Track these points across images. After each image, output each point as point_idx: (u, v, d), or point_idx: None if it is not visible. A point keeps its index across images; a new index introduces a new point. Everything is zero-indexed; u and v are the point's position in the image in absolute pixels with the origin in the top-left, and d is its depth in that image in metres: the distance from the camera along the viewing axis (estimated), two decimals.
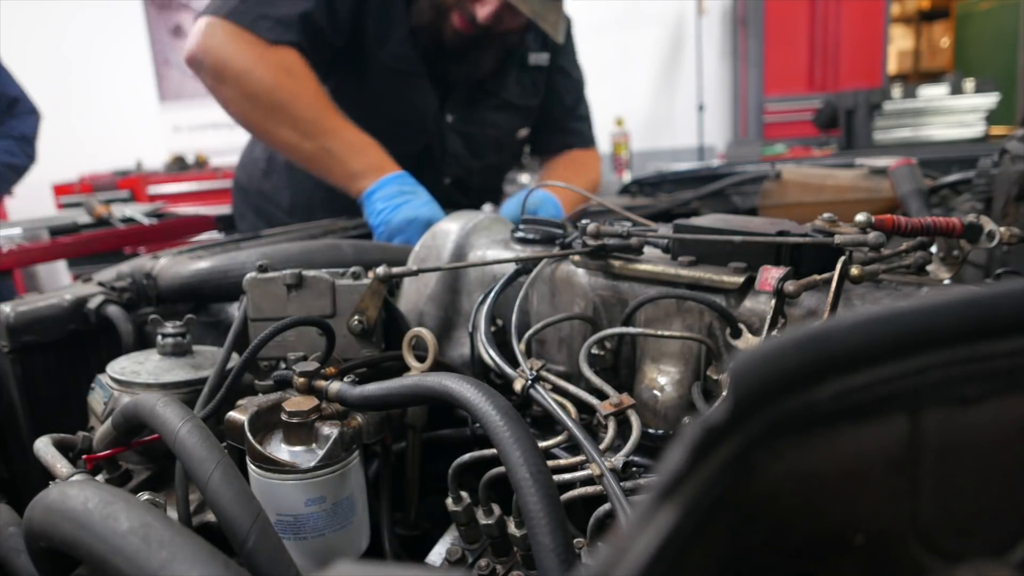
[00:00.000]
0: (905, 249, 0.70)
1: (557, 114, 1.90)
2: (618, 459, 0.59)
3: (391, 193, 1.36)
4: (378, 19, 1.53)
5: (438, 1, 1.52)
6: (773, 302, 0.65)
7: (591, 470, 0.57)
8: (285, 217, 1.79)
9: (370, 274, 0.82)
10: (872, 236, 0.63)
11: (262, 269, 0.84)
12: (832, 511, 0.27)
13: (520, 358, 0.72)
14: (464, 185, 1.79)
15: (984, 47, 5.43)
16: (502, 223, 1.01)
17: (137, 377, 0.79)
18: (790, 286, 0.63)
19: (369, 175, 1.40)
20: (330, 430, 0.65)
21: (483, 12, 1.49)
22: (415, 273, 0.83)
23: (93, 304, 1.01)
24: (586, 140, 2.00)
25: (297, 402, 0.66)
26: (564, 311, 0.82)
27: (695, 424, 0.22)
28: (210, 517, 0.69)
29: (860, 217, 0.66)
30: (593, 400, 0.66)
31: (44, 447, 0.69)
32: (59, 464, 0.67)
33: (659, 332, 0.70)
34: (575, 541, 0.58)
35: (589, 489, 0.58)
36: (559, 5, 1.56)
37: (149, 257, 1.19)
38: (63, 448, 0.70)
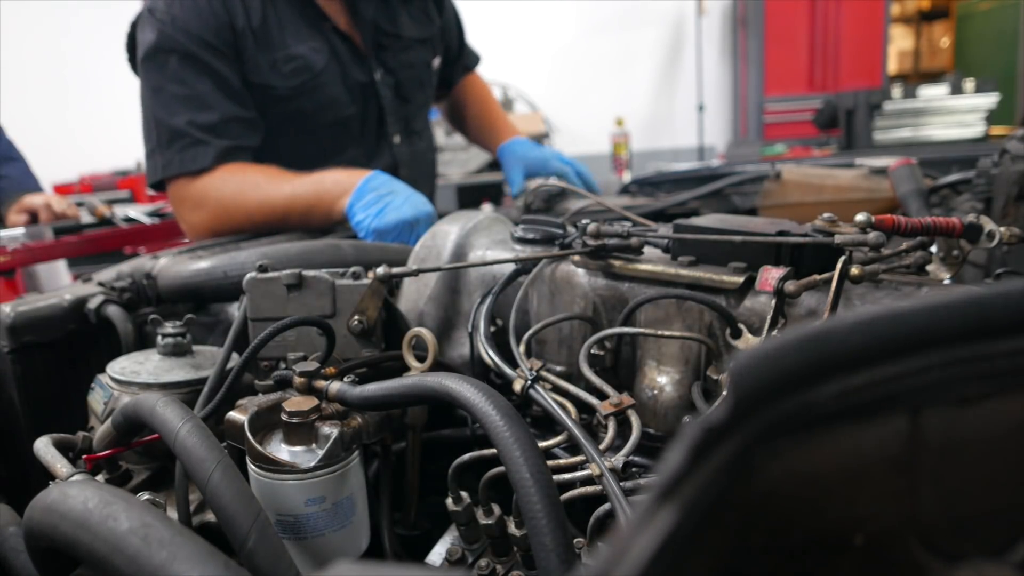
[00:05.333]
0: (905, 249, 0.70)
1: (454, 41, 2.01)
2: (618, 459, 0.59)
3: (369, 201, 1.34)
4: (257, 49, 1.53)
5: None
6: (773, 302, 0.65)
7: (591, 470, 0.57)
8: None
9: (370, 274, 0.82)
10: (872, 236, 0.63)
11: (262, 269, 0.84)
12: (832, 511, 0.27)
13: (519, 358, 0.72)
14: (410, 133, 1.81)
15: (984, 47, 5.43)
16: (502, 223, 1.01)
17: (137, 377, 0.79)
18: (790, 286, 0.63)
19: (343, 193, 1.38)
20: (330, 430, 0.65)
21: None
22: (415, 273, 0.83)
23: (93, 304, 1.01)
24: (474, 56, 2.14)
25: (297, 402, 0.66)
26: (564, 311, 0.82)
27: (695, 424, 0.22)
28: (210, 517, 0.69)
29: (860, 217, 0.65)
30: (593, 400, 0.66)
31: (44, 447, 0.69)
32: (59, 464, 0.67)
33: (659, 332, 0.70)
34: (575, 541, 0.58)
35: (589, 489, 0.58)
36: None
37: (149, 257, 1.19)
38: (63, 448, 0.70)
